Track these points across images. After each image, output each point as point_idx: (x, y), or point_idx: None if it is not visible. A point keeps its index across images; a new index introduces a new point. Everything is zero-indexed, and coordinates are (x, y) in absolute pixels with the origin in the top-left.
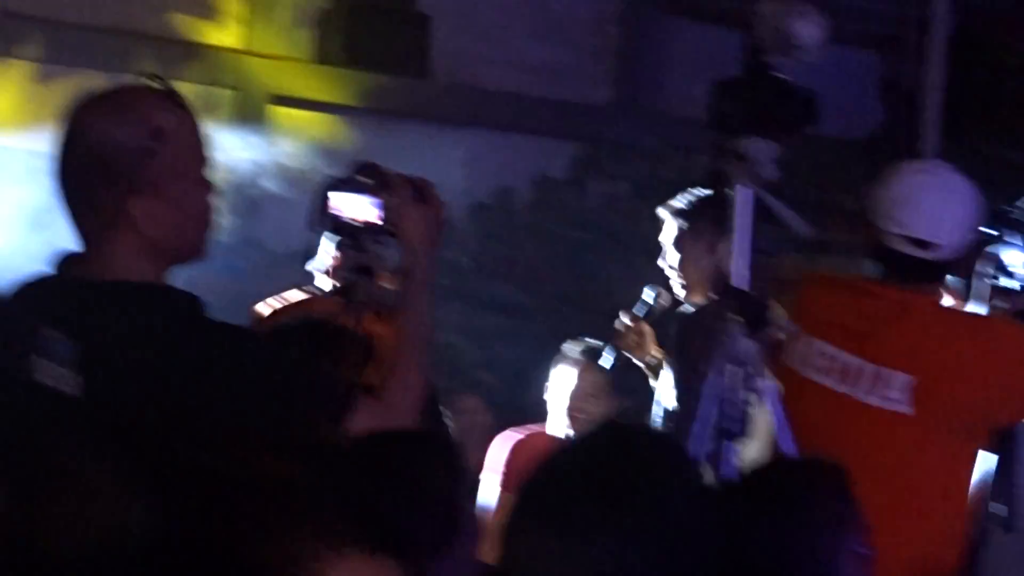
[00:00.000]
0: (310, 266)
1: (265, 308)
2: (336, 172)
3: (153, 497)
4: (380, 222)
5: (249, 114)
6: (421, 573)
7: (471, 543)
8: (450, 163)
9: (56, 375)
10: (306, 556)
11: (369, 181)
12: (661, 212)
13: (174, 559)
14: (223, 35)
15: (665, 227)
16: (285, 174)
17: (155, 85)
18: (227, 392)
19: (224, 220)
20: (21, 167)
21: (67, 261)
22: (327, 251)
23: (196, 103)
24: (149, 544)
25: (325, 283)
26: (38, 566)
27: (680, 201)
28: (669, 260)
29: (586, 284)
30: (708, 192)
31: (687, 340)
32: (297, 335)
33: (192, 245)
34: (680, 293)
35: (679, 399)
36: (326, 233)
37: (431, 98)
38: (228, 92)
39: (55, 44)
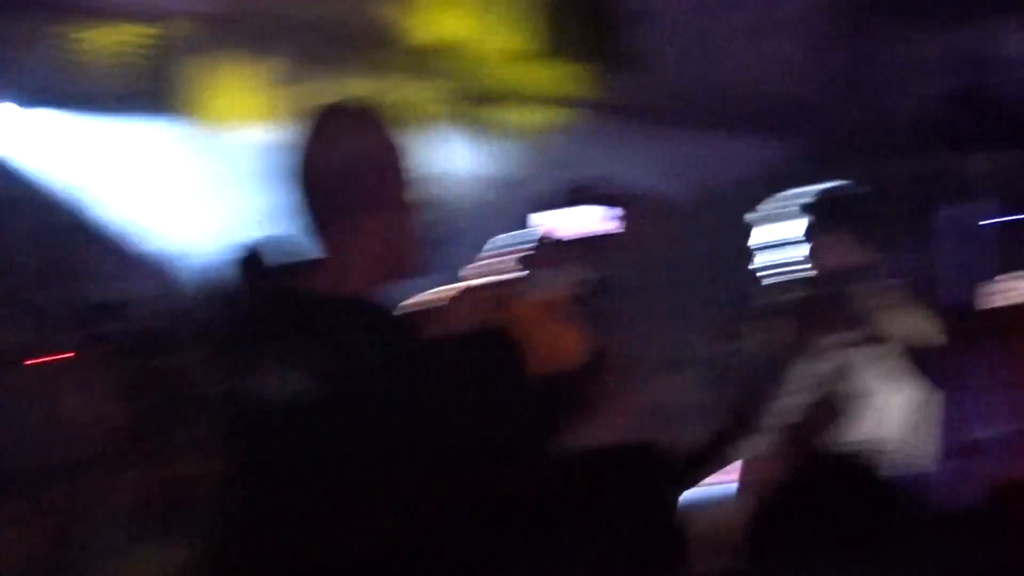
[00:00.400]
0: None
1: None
2: (564, 182)
3: (405, 511)
4: (608, 234)
5: (470, 110)
6: None
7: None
8: (671, 161)
9: (286, 384)
10: None
11: (598, 194)
12: (792, 207)
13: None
14: (449, 29)
15: (797, 222)
16: (506, 171)
17: (382, 104)
18: (456, 407)
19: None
20: (260, 165)
21: (298, 270)
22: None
23: (419, 99)
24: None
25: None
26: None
27: (813, 196)
28: (799, 252)
29: None
30: (840, 185)
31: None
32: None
33: (411, 264)
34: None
35: None
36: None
37: (653, 95)
38: (446, 87)
39: (296, 45)
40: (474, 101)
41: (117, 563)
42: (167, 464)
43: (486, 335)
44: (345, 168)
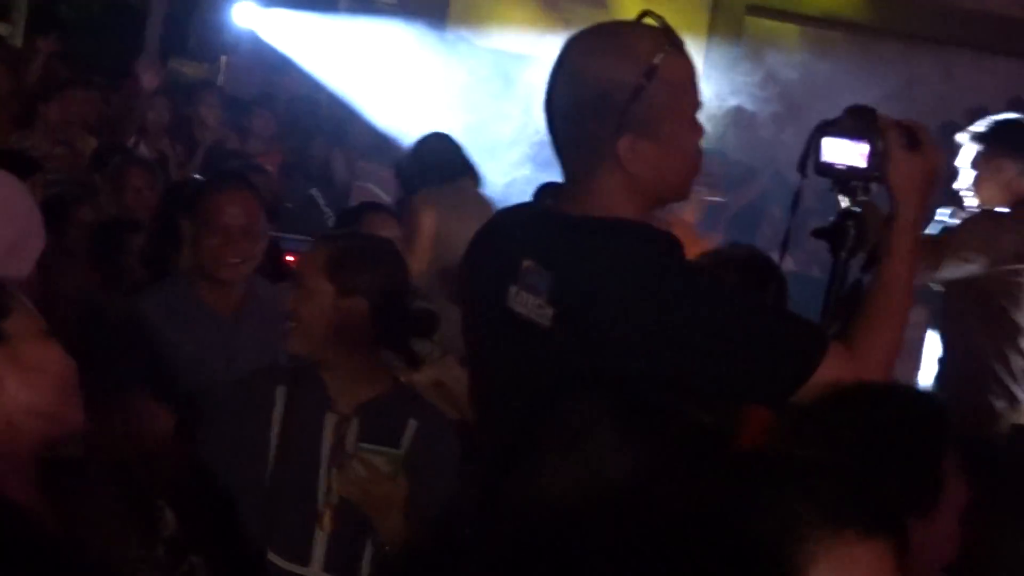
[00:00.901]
0: None
1: None
2: (828, 114)
3: (637, 446)
4: (866, 167)
5: (728, 26)
6: (907, 548)
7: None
8: (926, 81)
9: (530, 305)
10: (803, 533)
11: (859, 125)
12: (960, 136)
13: (659, 515)
14: None
15: (962, 151)
16: (764, 89)
17: (653, 23)
18: (699, 339)
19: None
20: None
21: (553, 195)
22: None
23: (675, 18)
24: (633, 496)
25: None
26: (525, 509)
27: (980, 126)
28: (963, 181)
29: None
30: (1006, 117)
31: None
32: (757, 275)
33: (676, 187)
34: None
35: None
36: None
37: (911, 15)
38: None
39: None
40: (731, 16)
41: None
42: None
43: None
44: (603, 88)
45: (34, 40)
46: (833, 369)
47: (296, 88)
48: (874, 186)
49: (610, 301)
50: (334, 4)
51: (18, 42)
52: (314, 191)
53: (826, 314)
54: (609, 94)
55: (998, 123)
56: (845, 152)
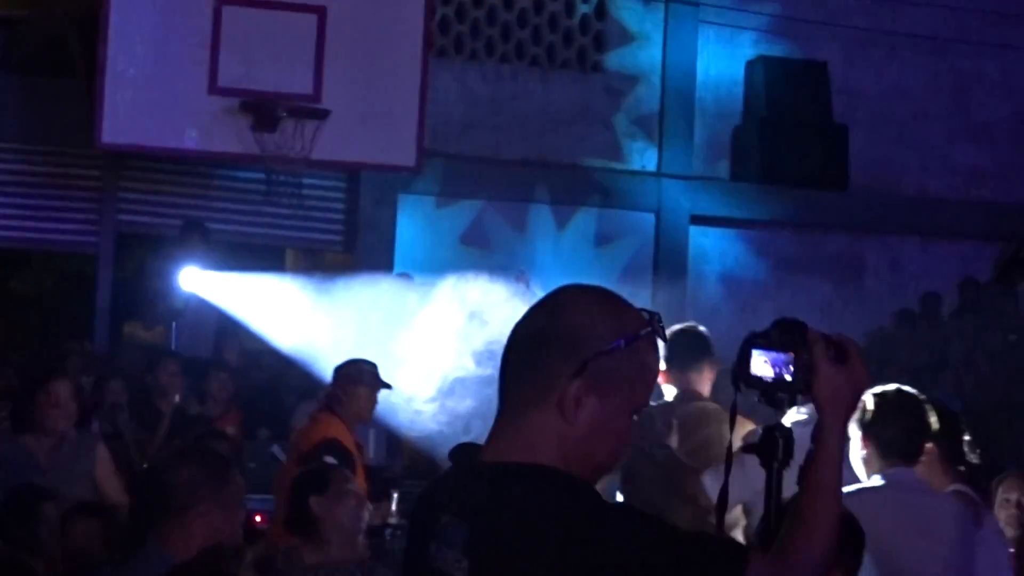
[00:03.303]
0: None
1: None
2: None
3: None
4: (792, 380)
5: (671, 233)
6: None
7: None
8: (871, 271)
9: (448, 560)
10: None
11: (785, 338)
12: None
13: None
14: (640, 160)
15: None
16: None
17: (649, 313)
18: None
19: None
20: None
21: (487, 442)
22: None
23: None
24: None
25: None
26: None
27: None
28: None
29: (1020, 388)
30: None
31: None
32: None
33: (597, 457)
34: None
35: None
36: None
37: (851, 208)
38: (649, 215)
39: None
40: (673, 226)
41: None
42: None
43: None
44: (581, 331)
45: None
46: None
47: (245, 345)
48: (799, 398)
49: (523, 549)
50: (280, 263)
51: None
52: (275, 448)
53: (765, 526)
54: (583, 337)
55: None
56: (772, 365)
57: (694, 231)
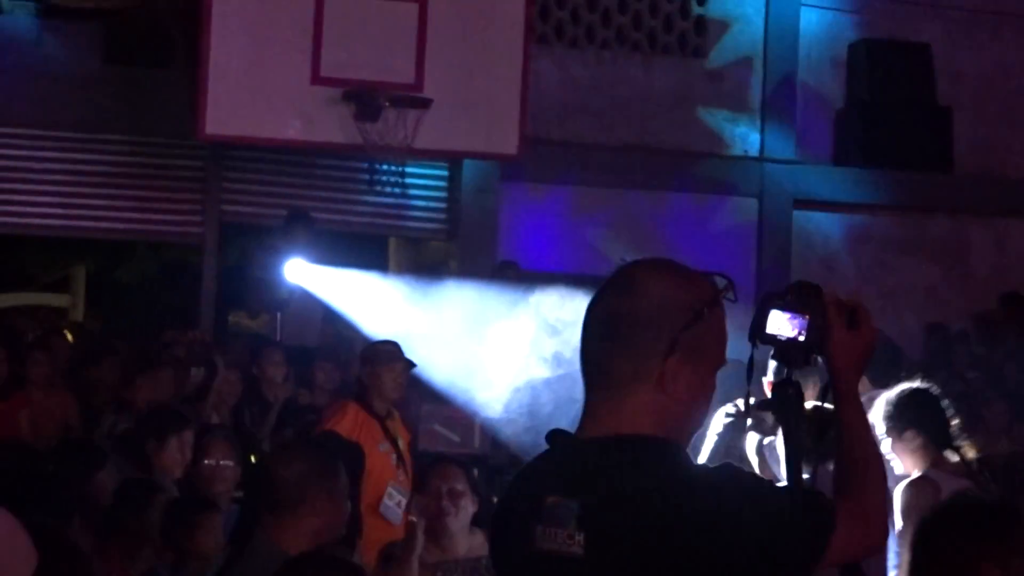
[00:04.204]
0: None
1: None
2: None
3: None
4: (805, 340)
5: (774, 218)
6: None
7: None
8: (976, 253)
9: (559, 539)
10: None
11: (802, 300)
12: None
13: None
14: (742, 144)
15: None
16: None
17: (720, 276)
18: (728, 538)
19: None
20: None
21: (582, 423)
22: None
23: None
24: None
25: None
26: None
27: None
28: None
29: None
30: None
31: None
32: None
33: (696, 421)
34: None
35: None
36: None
37: (955, 190)
38: (752, 199)
39: (584, 165)
40: (777, 209)
41: None
42: None
43: None
44: (668, 307)
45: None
46: (846, 528)
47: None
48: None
49: (637, 515)
50: (383, 252)
51: (79, 315)
52: None
53: (793, 477)
54: (669, 312)
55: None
56: (788, 324)
57: (797, 215)
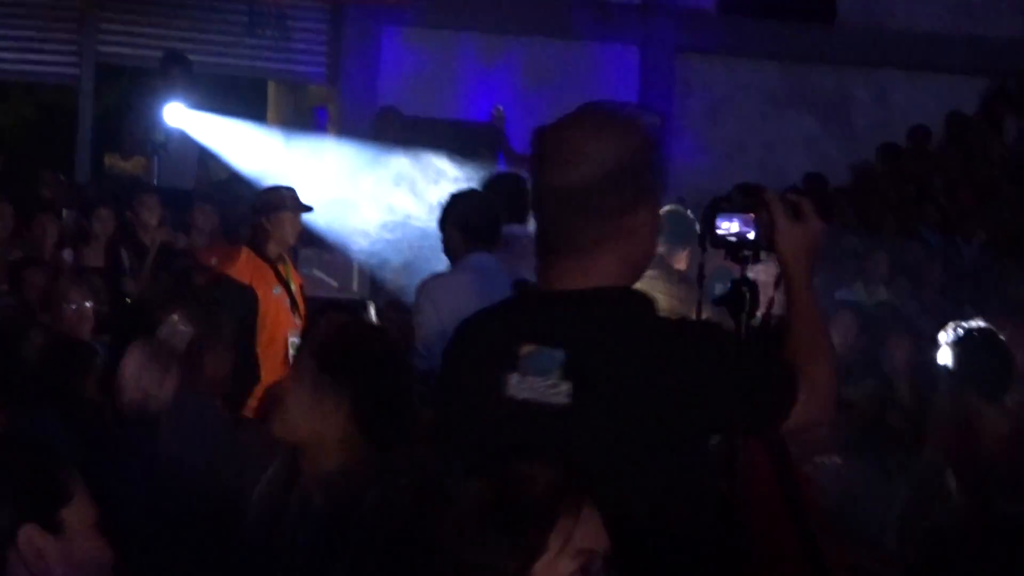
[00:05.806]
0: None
1: None
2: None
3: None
4: (754, 238)
5: (657, 66)
6: None
7: None
8: (859, 105)
9: (539, 388)
10: None
11: (747, 200)
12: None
13: None
14: None
15: None
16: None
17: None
18: (710, 393)
19: None
20: None
21: (546, 277)
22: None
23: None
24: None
25: None
26: None
27: None
28: None
29: (1007, 223)
30: None
31: None
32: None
33: (649, 258)
34: None
35: None
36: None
37: (838, 42)
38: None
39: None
40: (659, 57)
41: None
42: None
43: None
44: (621, 166)
45: None
46: (803, 396)
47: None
48: (763, 254)
49: (629, 365)
50: (263, 96)
51: None
52: None
53: None
54: (623, 172)
55: None
56: (736, 225)
57: (680, 64)
